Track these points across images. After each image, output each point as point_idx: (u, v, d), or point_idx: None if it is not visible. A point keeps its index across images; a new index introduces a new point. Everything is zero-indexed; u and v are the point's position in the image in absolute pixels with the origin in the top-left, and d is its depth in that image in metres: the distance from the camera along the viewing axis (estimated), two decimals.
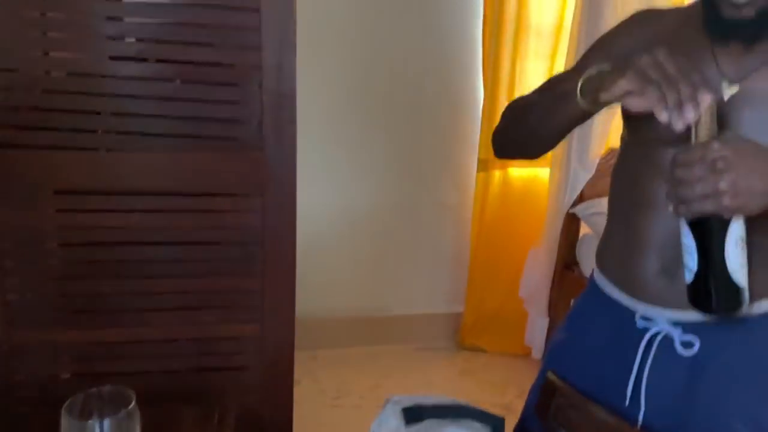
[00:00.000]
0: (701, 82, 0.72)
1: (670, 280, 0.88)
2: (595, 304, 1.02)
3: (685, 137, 0.75)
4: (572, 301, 2.45)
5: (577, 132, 2.30)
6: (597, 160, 2.36)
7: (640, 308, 0.92)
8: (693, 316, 0.85)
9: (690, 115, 0.71)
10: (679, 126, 0.71)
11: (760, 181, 0.72)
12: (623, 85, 0.76)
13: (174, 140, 1.20)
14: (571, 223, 2.45)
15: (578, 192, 2.38)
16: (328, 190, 2.47)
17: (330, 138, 2.44)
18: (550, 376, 1.00)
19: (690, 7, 0.93)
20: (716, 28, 0.82)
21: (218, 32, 1.19)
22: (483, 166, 2.49)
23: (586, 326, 1.03)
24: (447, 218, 2.65)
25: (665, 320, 0.90)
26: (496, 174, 2.52)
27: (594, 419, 0.92)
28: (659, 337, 0.90)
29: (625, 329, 0.94)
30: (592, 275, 1.06)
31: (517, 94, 2.49)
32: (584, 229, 2.46)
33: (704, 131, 0.73)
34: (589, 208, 2.38)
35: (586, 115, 0.88)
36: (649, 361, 0.91)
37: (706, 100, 0.71)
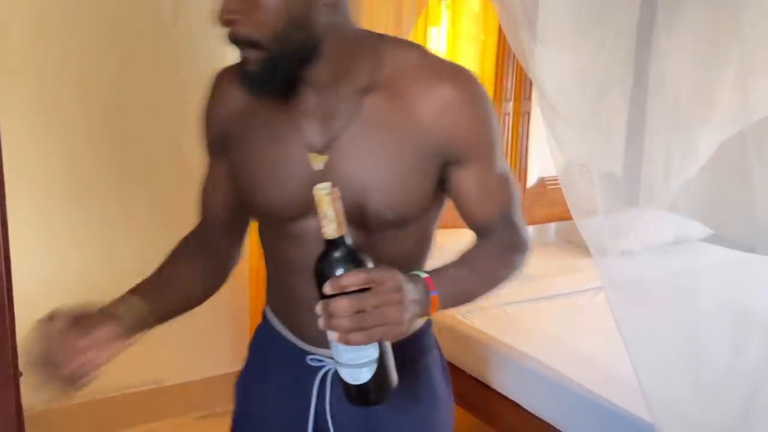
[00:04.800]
0: None
1: None
2: (270, 338, 1.02)
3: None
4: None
5: None
6: None
7: (307, 349, 0.95)
8: None
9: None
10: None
11: (419, 294, 0.75)
12: None
13: None
14: None
15: None
16: (56, 258, 2.18)
17: (69, 199, 2.17)
18: None
19: None
20: (244, 83, 0.82)
21: None
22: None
23: (265, 360, 1.03)
24: None
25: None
26: None
27: None
28: (331, 372, 0.94)
29: (299, 365, 0.96)
30: (265, 318, 1.07)
31: None
32: None
33: (333, 221, 0.70)
34: None
35: None
36: (328, 396, 0.94)
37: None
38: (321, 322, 0.69)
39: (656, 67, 2.01)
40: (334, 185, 0.70)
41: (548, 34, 1.64)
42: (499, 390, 1.84)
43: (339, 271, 0.70)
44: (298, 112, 0.86)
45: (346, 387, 0.76)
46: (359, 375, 0.74)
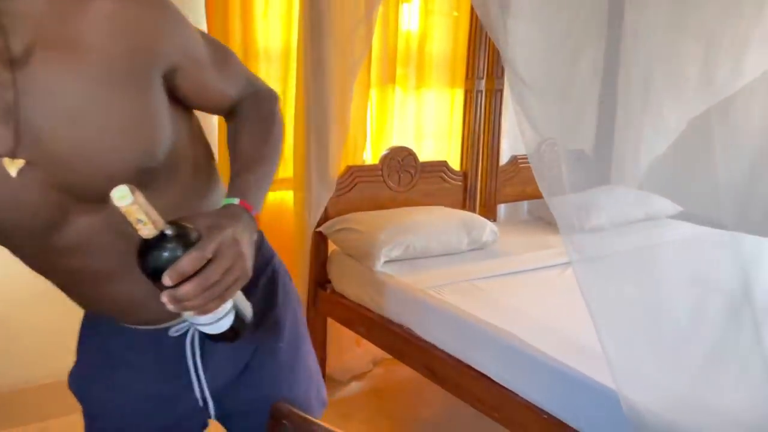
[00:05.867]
0: None
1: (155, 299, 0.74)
2: (105, 329, 0.97)
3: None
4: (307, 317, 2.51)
5: (314, 155, 2.36)
6: (336, 179, 2.43)
7: (148, 328, 0.93)
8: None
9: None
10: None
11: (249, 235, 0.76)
12: None
13: None
14: (319, 241, 2.49)
15: (322, 211, 2.43)
16: None
17: None
18: (278, 404, 0.97)
19: None
20: None
21: None
22: None
23: (109, 350, 0.98)
24: None
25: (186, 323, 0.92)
26: None
27: None
28: (190, 334, 0.94)
29: (153, 341, 0.94)
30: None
31: None
32: (332, 246, 2.52)
33: (148, 223, 0.66)
34: (335, 225, 2.44)
35: None
36: (198, 354, 0.94)
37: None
38: (172, 308, 0.68)
39: (627, 43, 2.02)
40: (131, 189, 0.63)
41: (519, 7, 1.64)
42: (469, 363, 1.86)
43: (171, 259, 0.67)
44: None
45: (210, 336, 0.79)
46: (220, 327, 0.77)
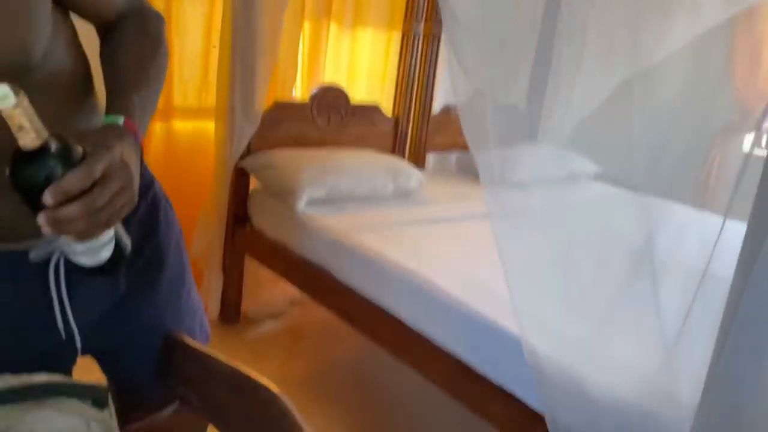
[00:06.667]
0: None
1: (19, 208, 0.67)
2: None
3: None
4: (246, 255, 2.46)
5: (239, 86, 2.25)
6: (261, 112, 2.34)
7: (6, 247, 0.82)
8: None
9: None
10: None
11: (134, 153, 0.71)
12: None
13: None
14: (240, 177, 2.41)
15: (245, 145, 2.35)
16: None
17: None
18: (174, 334, 0.93)
19: None
20: None
21: None
22: None
23: None
24: None
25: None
26: (158, 127, 2.33)
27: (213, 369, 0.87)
28: (55, 260, 0.84)
29: (15, 267, 0.84)
30: None
31: (175, 40, 2.31)
32: (254, 183, 2.44)
33: (31, 131, 0.59)
34: (257, 160, 2.36)
35: None
36: (63, 285, 0.85)
37: None
38: (47, 231, 0.62)
39: (567, 3, 2.01)
40: (14, 89, 0.56)
41: None
42: (384, 306, 1.88)
43: (52, 176, 0.60)
44: None
45: (85, 268, 0.73)
46: (99, 257, 0.72)
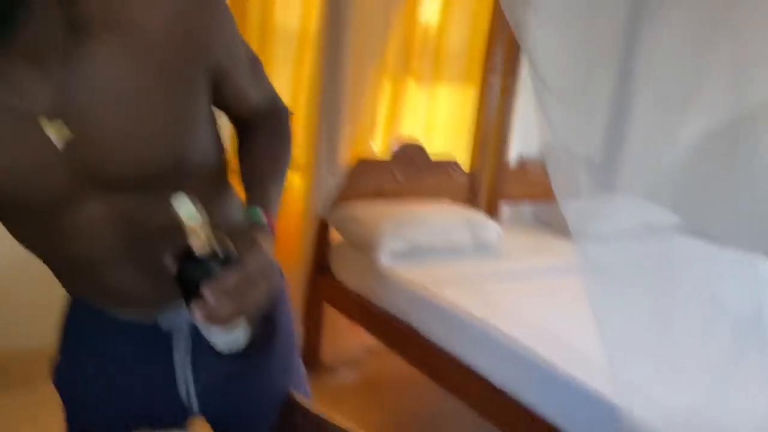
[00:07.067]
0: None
1: (165, 285, 0.74)
2: (91, 319, 0.94)
3: None
4: (315, 306, 2.51)
5: (324, 142, 2.35)
6: (344, 167, 2.41)
7: (134, 317, 0.91)
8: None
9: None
10: None
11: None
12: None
13: None
14: (323, 228, 2.48)
15: (328, 198, 2.42)
16: None
17: None
18: (292, 396, 0.96)
19: None
20: None
21: None
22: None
23: (95, 341, 0.96)
24: None
25: (181, 319, 0.91)
26: None
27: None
28: (181, 329, 0.92)
29: (139, 332, 0.92)
30: (74, 299, 0.97)
31: None
32: (335, 235, 2.51)
33: (205, 242, 0.67)
34: (339, 213, 2.43)
35: None
36: (189, 353, 0.92)
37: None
38: (199, 319, 0.68)
39: (645, 48, 2.00)
40: (194, 201, 0.64)
41: (545, 8, 1.61)
42: (465, 361, 1.86)
43: (212, 273, 0.67)
44: (14, 71, 0.66)
45: (217, 349, 0.78)
46: (236, 344, 0.76)
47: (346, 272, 2.42)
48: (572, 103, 1.74)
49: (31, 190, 0.72)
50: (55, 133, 0.68)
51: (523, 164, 3.03)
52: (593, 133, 2.40)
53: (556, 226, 2.93)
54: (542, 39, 1.55)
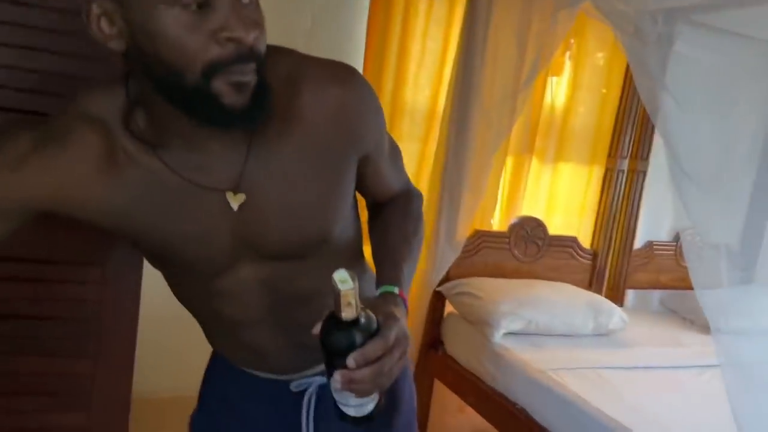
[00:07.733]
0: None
1: (299, 348, 0.90)
2: (231, 375, 1.01)
3: None
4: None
5: (445, 213, 2.39)
6: (463, 241, 2.43)
7: (277, 378, 0.97)
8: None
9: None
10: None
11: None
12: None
13: None
14: (437, 301, 2.48)
15: (445, 271, 2.43)
16: None
17: None
18: None
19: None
20: (232, 114, 0.70)
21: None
22: None
23: (230, 395, 1.02)
24: None
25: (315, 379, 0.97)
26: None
27: None
28: (309, 393, 0.96)
29: (275, 393, 0.98)
30: (215, 354, 1.06)
31: None
32: (449, 308, 2.50)
33: (354, 309, 0.70)
34: (455, 287, 2.43)
35: None
36: (312, 414, 0.96)
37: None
38: (339, 387, 0.71)
39: None
40: (352, 275, 0.68)
41: (683, 95, 1.59)
42: None
43: (356, 343, 0.70)
44: (206, 149, 0.76)
45: (346, 416, 0.79)
46: (364, 410, 0.77)
47: (459, 347, 2.39)
48: (712, 191, 1.67)
49: (201, 253, 0.81)
50: (236, 204, 0.78)
51: (650, 248, 2.89)
52: (733, 221, 2.27)
53: (683, 313, 2.76)
54: (681, 125, 1.52)
